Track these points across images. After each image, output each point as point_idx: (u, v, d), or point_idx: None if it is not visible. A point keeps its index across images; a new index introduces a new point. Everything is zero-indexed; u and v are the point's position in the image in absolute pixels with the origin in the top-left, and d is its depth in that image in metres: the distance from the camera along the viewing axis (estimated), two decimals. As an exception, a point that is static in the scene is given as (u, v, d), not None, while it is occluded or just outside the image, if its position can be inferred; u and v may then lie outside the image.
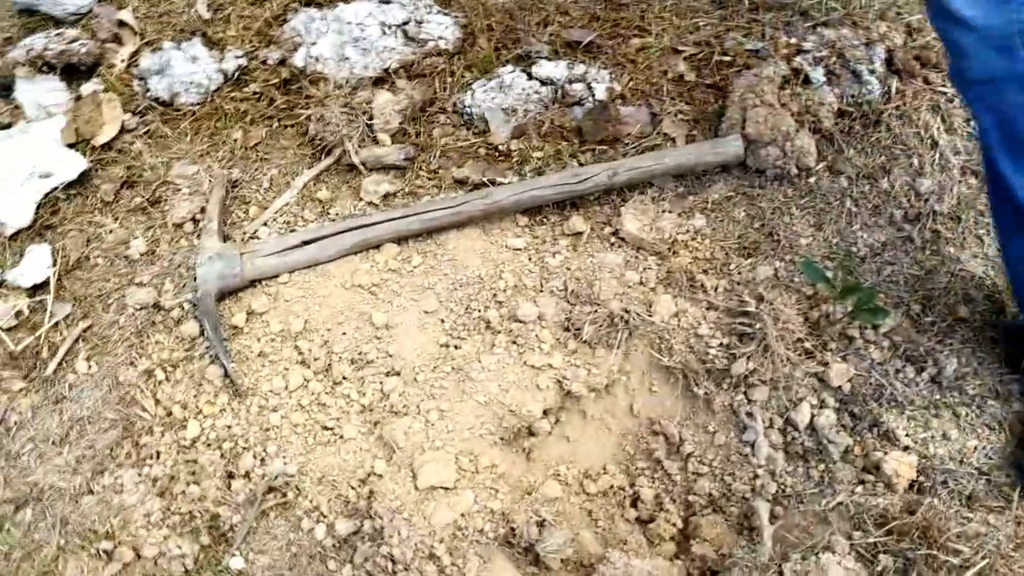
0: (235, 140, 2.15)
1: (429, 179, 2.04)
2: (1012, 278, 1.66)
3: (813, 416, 1.69)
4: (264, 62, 2.23)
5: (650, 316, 1.81)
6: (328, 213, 2.01)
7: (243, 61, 2.24)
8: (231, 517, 1.63)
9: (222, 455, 1.70)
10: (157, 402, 1.78)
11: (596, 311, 1.81)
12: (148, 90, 2.22)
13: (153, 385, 1.80)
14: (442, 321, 1.84)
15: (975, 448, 1.63)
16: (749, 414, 1.72)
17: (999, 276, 1.81)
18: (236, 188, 2.09)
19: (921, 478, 1.61)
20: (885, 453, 1.63)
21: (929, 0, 1.52)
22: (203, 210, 2.02)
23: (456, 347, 1.81)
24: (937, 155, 1.98)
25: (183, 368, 1.82)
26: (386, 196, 2.01)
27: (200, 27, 2.34)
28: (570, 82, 2.12)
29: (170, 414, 1.76)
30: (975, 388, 1.68)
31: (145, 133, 2.19)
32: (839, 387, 1.70)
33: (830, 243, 1.90)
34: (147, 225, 2.05)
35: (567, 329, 1.82)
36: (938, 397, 1.68)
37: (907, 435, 1.64)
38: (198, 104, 2.21)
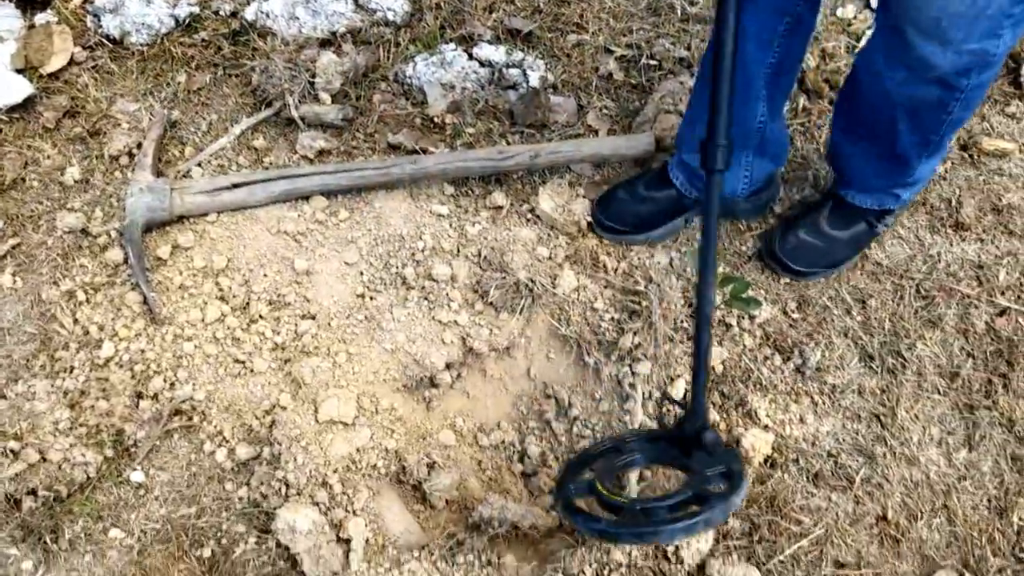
0: (179, 83, 2.22)
1: (364, 141, 2.15)
2: None
3: (687, 392, 1.85)
4: (216, 12, 2.31)
5: (554, 288, 1.95)
6: (262, 162, 2.10)
7: (195, 9, 2.31)
8: (136, 433, 1.72)
9: (133, 376, 1.79)
10: (76, 321, 1.85)
11: (505, 278, 1.95)
12: (100, 27, 2.28)
13: (74, 305, 1.87)
14: (361, 273, 1.96)
15: (827, 433, 1.82)
16: (631, 385, 1.88)
17: (870, 282, 2.02)
18: (175, 128, 2.16)
19: (775, 455, 1.79)
20: (746, 429, 1.80)
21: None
22: (140, 145, 2.10)
23: (371, 298, 1.93)
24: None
25: (104, 292, 1.89)
26: (321, 152, 2.11)
27: (157, -29, 2.40)
28: (507, 67, 2.25)
29: (87, 333, 1.83)
30: (834, 379, 1.87)
31: (92, 67, 2.24)
32: (712, 367, 1.87)
33: (723, 241, 2.07)
34: (84, 155, 2.11)
35: (476, 291, 1.95)
36: (800, 385, 1.86)
37: (768, 416, 1.82)
38: (147, 45, 2.27)
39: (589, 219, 2.06)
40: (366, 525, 1.66)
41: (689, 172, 1.98)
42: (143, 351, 1.82)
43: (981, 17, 1.40)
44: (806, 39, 1.78)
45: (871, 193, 1.93)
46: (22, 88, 2.13)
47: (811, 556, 1.65)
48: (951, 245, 2.07)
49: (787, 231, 2.00)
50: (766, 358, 1.89)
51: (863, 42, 2.34)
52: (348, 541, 1.63)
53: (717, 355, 1.87)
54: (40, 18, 2.29)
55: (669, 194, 2.02)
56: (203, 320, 1.87)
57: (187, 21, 2.29)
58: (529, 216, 2.09)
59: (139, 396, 1.77)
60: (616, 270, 2.00)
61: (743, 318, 1.92)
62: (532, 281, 1.95)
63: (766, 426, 1.82)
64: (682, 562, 1.61)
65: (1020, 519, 1.71)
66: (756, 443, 1.78)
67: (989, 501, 1.74)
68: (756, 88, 1.79)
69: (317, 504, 1.65)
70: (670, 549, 1.61)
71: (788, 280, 2.01)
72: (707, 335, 1.47)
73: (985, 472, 1.77)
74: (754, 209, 2.08)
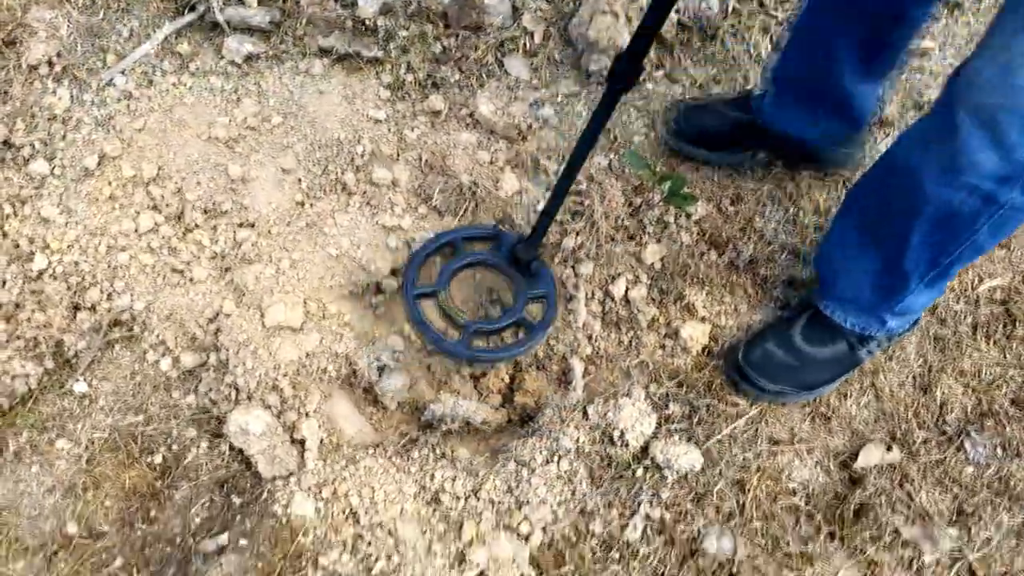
0: (95, -12, 2.11)
1: (294, 45, 2.09)
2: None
3: (628, 289, 1.90)
4: (130, -88, 2.19)
5: (496, 190, 1.96)
6: (188, 68, 2.03)
7: (107, -92, 2.18)
8: (76, 344, 1.69)
9: (68, 287, 1.74)
10: (4, 235, 1.78)
11: (447, 181, 1.95)
12: (2, -74, 2.13)
13: (1, 219, 1.80)
14: (299, 180, 1.93)
15: (760, 321, 1.90)
16: (575, 285, 1.91)
17: (803, 181, 2.08)
18: (95, 37, 2.06)
19: (712, 344, 1.87)
20: (684, 322, 1.87)
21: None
22: (59, 54, 2.00)
23: (311, 205, 1.90)
24: (762, 71, 2.21)
25: (32, 204, 1.82)
26: (249, 57, 2.05)
27: None
28: (440, -33, 2.20)
29: (17, 246, 1.77)
30: (765, 271, 1.94)
31: (0, -28, 2.11)
32: (652, 264, 1.92)
33: (659, 142, 2.10)
34: (0, 65, 2.00)
35: (419, 196, 1.95)
36: (734, 278, 1.93)
37: (704, 308, 1.89)
38: (57, -53, 2.14)
39: (529, 122, 2.06)
40: (319, 426, 1.67)
41: (774, 106, 1.95)
42: (77, 263, 1.77)
43: None
44: (909, 29, 1.69)
45: (853, 310, 1.74)
46: (-79, -7, 2.00)
47: (747, 435, 1.74)
48: (876, 142, 2.14)
49: (754, 340, 1.81)
50: (702, 254, 1.95)
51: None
52: (302, 442, 1.64)
53: (656, 252, 1.92)
54: (-65, -82, 2.13)
55: (751, 121, 2.00)
56: (136, 230, 1.82)
57: (99, -80, 2.16)
58: (468, 120, 2.07)
59: (76, 308, 1.73)
60: (557, 172, 2.02)
61: (679, 216, 1.97)
62: (475, 184, 1.95)
63: (703, 318, 1.88)
64: (627, 445, 1.68)
65: (942, 394, 1.82)
66: (694, 334, 1.85)
67: (914, 379, 1.85)
68: (836, 49, 1.72)
69: (269, 407, 1.66)
70: (615, 433, 1.68)
71: (754, 398, 1.80)
72: (570, 182, 1.61)
73: (910, 352, 1.88)
74: (836, 160, 2.05)
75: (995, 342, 1.90)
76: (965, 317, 1.92)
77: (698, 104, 2.09)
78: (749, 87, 2.16)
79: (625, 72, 1.40)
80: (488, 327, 1.79)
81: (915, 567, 1.62)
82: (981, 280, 1.97)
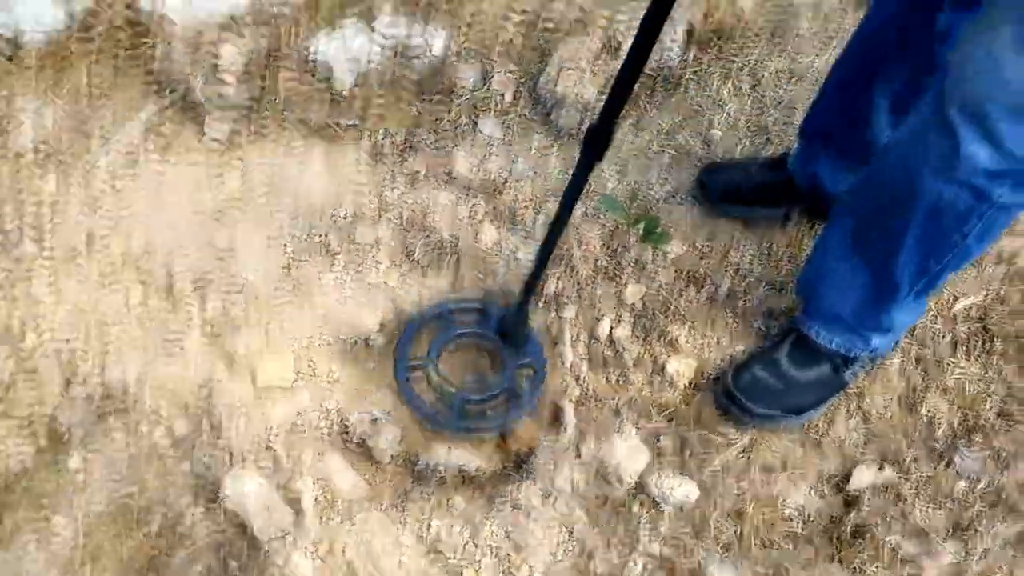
0: (79, 77, 2.19)
1: (274, 120, 2.16)
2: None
3: (612, 329, 1.94)
4: (110, 5, 2.28)
5: (476, 243, 2.01)
6: (171, 147, 2.10)
7: (89, 3, 2.28)
8: (69, 419, 1.70)
9: (60, 365, 1.77)
10: (-6, 317, 1.82)
11: (429, 236, 2.00)
12: (-12, 25, 2.23)
13: (-9, 302, 1.84)
14: (284, 246, 1.98)
15: (742, 351, 1.93)
16: (559, 330, 1.95)
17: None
18: (79, 122, 2.13)
19: (699, 377, 1.89)
20: (669, 357, 1.90)
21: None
22: (45, 141, 2.07)
23: (297, 267, 1.95)
24: (726, 115, 2.30)
25: (21, 287, 1.86)
26: (230, 134, 2.12)
27: (43, -32, 2.36)
28: (410, 37, 2.30)
29: (8, 328, 1.80)
30: (744, 304, 1.98)
31: (-14, 67, 2.20)
32: (633, 304, 1.96)
33: (631, 188, 2.17)
34: (-14, 154, 2.07)
35: (402, 252, 1.99)
36: (714, 312, 1.97)
37: (688, 343, 1.92)
38: (43, 44, 2.23)
39: (504, 176, 2.13)
40: (314, 484, 1.68)
41: (805, 160, 1.98)
42: (68, 340, 1.80)
43: None
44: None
45: (839, 330, 1.75)
46: (-89, 92, 2.08)
47: (740, 464, 1.76)
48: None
49: (743, 366, 1.83)
50: (681, 290, 1.99)
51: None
52: (298, 500, 1.65)
53: (636, 292, 1.96)
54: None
55: (783, 177, 2.03)
56: (126, 305, 1.86)
57: (83, 17, 2.26)
58: (446, 179, 2.14)
59: (68, 383, 1.75)
60: (535, 223, 2.07)
61: (656, 255, 2.02)
62: (456, 238, 2.00)
63: (688, 352, 1.91)
64: (621, 482, 1.69)
65: (928, 412, 1.85)
66: (680, 368, 1.88)
67: (899, 399, 1.87)
68: (873, 99, 1.69)
69: (262, 468, 1.67)
70: (609, 470, 1.69)
71: (744, 424, 1.82)
72: (549, 253, 1.59)
73: (893, 374, 1.90)
74: None
75: (976, 358, 1.93)
76: (944, 336, 1.96)
77: (722, 163, 2.16)
78: (769, 151, 2.22)
79: (596, 146, 1.34)
80: (478, 398, 1.84)
81: (916, 583, 1.62)
82: (956, 299, 2.02)
